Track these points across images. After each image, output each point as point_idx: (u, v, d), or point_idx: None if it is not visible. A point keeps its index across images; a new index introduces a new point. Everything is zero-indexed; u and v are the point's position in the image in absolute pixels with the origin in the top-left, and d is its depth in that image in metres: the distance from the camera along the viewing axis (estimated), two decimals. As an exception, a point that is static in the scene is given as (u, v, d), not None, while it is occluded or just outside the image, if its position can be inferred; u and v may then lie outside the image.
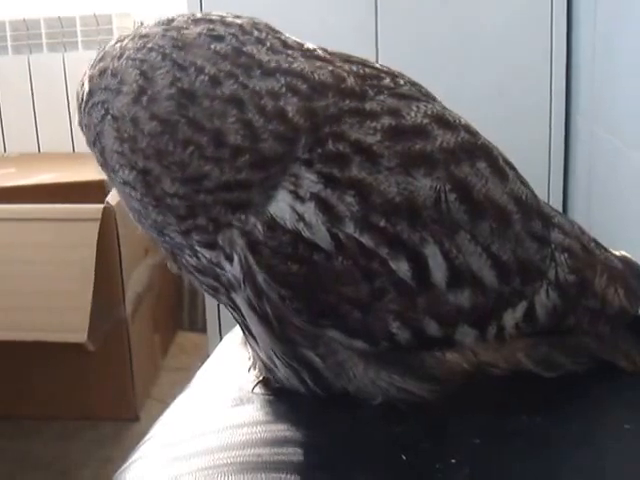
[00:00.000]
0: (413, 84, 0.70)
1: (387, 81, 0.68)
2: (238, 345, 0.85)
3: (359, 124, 0.64)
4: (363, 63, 0.69)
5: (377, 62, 0.72)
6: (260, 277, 0.65)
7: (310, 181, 0.63)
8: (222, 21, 0.67)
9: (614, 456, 0.68)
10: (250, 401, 0.75)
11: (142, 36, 0.65)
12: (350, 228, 0.63)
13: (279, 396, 0.74)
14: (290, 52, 0.66)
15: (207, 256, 0.68)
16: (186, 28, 0.65)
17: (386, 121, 0.65)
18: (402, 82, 0.69)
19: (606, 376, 0.76)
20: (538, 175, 1.96)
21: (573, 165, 1.96)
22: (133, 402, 2.10)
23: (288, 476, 0.64)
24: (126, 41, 0.66)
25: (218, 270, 0.68)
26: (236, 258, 0.67)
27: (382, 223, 0.63)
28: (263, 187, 0.65)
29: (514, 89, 1.94)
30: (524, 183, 0.70)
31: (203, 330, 2.31)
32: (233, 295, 0.70)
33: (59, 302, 1.86)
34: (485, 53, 1.93)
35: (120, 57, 0.65)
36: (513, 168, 0.70)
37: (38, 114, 2.70)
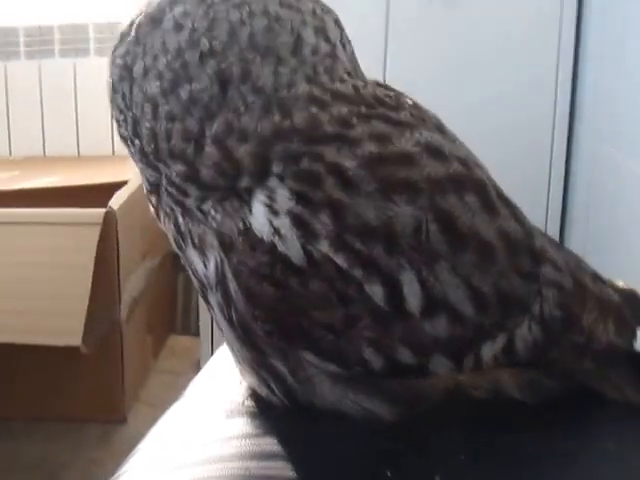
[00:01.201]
0: (415, 114, 0.69)
1: (381, 110, 0.67)
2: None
3: (338, 149, 0.63)
4: (367, 103, 0.67)
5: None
6: (232, 286, 0.66)
7: (284, 196, 0.63)
8: (230, 4, 0.65)
9: (597, 475, 0.69)
10: (241, 414, 0.75)
11: None
12: (324, 246, 0.62)
13: (269, 409, 0.75)
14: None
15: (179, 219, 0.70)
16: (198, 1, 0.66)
17: (369, 147, 0.64)
18: (403, 112, 0.68)
19: (591, 395, 0.76)
20: (538, 183, 1.99)
21: (574, 176, 1.97)
22: (122, 404, 2.10)
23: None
24: None
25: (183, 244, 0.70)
26: (212, 261, 0.67)
27: (357, 245, 0.62)
28: (207, 200, 0.66)
29: (518, 99, 1.96)
30: (519, 220, 0.69)
31: (196, 334, 2.31)
32: (206, 293, 0.70)
33: (56, 305, 1.86)
34: (491, 63, 1.95)
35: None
36: (509, 205, 0.69)
37: (46, 118, 2.72)
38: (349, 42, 0.72)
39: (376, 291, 0.63)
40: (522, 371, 0.74)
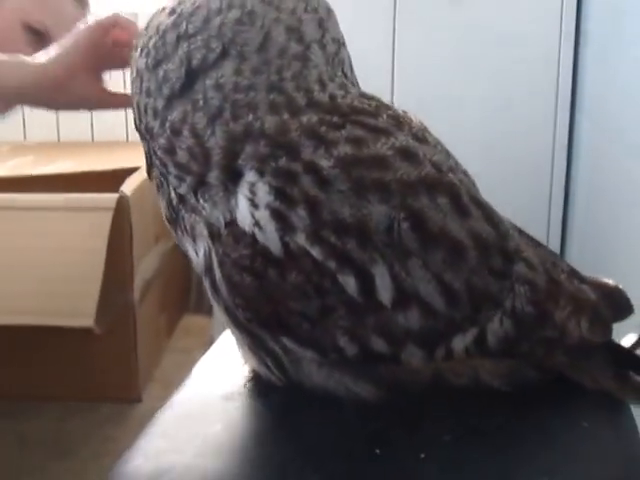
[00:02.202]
0: (392, 122, 0.71)
1: (358, 117, 0.70)
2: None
3: (315, 149, 0.67)
4: (341, 112, 0.69)
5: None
6: (217, 274, 0.70)
7: (263, 191, 0.66)
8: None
9: (575, 451, 0.73)
10: (241, 395, 0.80)
11: None
12: (301, 239, 0.65)
13: (268, 392, 0.79)
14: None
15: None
16: None
17: (345, 149, 0.67)
18: (381, 119, 0.71)
19: (568, 382, 0.80)
20: (540, 178, 2.02)
21: (575, 171, 1.99)
22: (136, 384, 2.12)
23: (272, 468, 0.69)
24: None
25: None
26: (202, 250, 0.72)
27: (332, 239, 0.65)
28: (183, 182, 0.71)
29: (520, 99, 2.00)
30: (492, 222, 0.71)
31: (209, 313, 2.32)
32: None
33: (69, 288, 1.89)
34: (494, 56, 1.98)
35: None
36: (482, 207, 0.71)
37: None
38: (337, 42, 0.74)
39: (349, 282, 0.66)
40: (500, 361, 0.76)
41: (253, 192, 0.67)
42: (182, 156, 0.69)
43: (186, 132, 0.69)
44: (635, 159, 1.41)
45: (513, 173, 2.00)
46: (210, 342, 2.07)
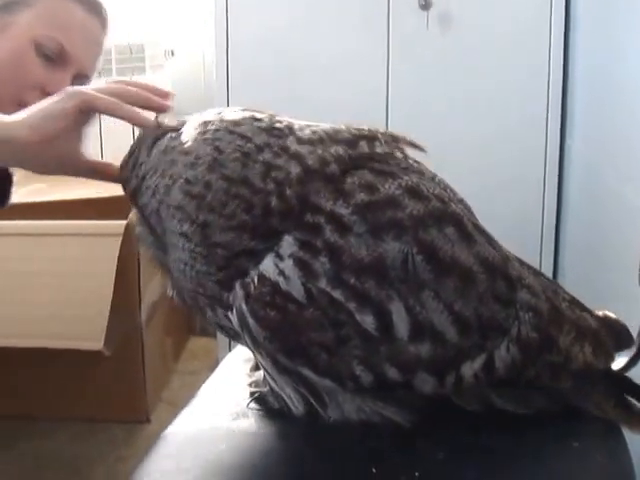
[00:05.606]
0: (397, 163, 0.76)
1: (369, 164, 0.75)
2: (243, 360, 0.95)
3: (334, 200, 0.71)
4: (356, 164, 0.74)
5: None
6: (251, 322, 0.73)
7: (288, 243, 0.71)
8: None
9: (563, 470, 0.76)
10: (245, 415, 0.84)
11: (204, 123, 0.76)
12: (323, 283, 0.70)
13: (271, 412, 0.83)
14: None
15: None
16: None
17: (360, 196, 0.71)
18: (387, 164, 0.76)
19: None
20: (533, 193, 2.05)
21: (566, 192, 2.01)
22: (145, 405, 2.15)
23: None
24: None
25: (229, 323, 0.77)
26: (235, 309, 0.75)
27: (352, 281, 0.69)
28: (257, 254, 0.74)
29: (510, 109, 2.03)
30: (495, 247, 0.75)
31: (214, 335, 2.35)
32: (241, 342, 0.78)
33: (79, 311, 1.93)
34: (484, 76, 2.02)
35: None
36: (484, 233, 0.76)
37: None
38: None
39: (367, 320, 0.70)
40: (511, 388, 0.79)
41: (278, 245, 0.72)
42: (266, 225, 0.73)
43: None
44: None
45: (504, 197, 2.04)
46: (216, 364, 2.10)
